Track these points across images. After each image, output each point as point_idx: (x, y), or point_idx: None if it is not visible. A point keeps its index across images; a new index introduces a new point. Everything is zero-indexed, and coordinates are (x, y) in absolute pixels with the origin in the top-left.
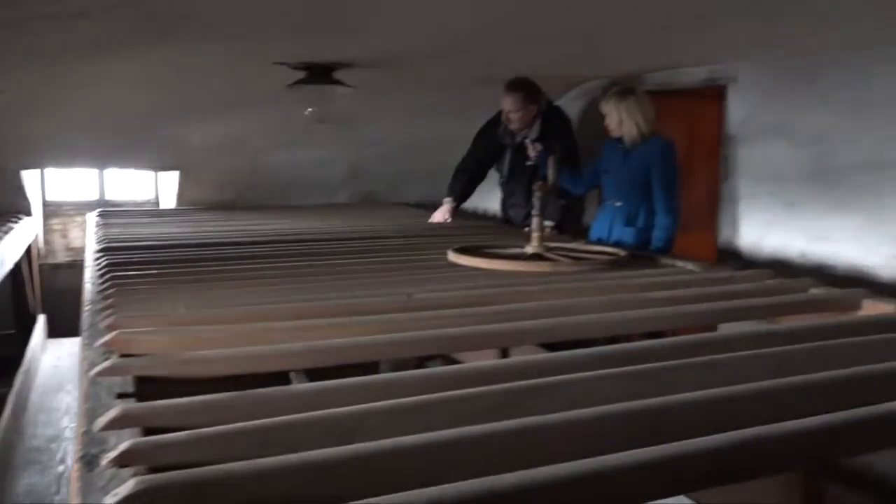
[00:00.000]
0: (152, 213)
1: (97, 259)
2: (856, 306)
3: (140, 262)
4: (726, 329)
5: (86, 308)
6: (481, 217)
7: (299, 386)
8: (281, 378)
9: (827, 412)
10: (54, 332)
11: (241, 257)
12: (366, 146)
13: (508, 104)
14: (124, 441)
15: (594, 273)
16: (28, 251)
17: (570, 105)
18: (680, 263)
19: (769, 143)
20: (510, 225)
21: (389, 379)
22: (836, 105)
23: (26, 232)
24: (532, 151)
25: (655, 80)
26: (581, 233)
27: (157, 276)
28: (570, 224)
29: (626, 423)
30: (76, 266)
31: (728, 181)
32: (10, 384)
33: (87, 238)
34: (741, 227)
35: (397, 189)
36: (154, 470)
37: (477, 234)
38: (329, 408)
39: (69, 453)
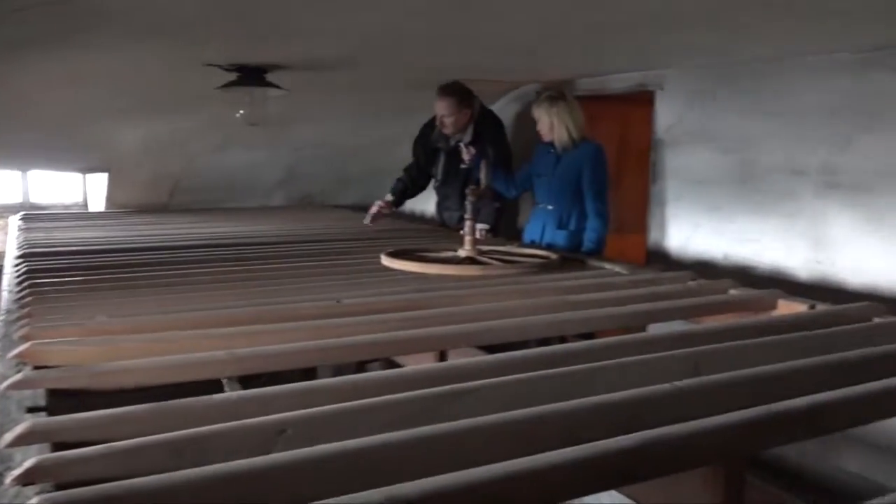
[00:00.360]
0: (79, 216)
1: (16, 265)
2: (772, 306)
3: (63, 268)
4: (653, 329)
5: (0, 317)
6: (418, 219)
7: (219, 396)
8: (215, 387)
9: (739, 409)
10: None
11: (169, 262)
12: (301, 148)
13: (442, 108)
14: (30, 458)
15: (526, 276)
16: None
17: (505, 109)
18: (609, 266)
19: (695, 148)
20: (445, 228)
21: (314, 386)
22: (757, 112)
23: None
24: (466, 155)
25: (587, 85)
26: (516, 235)
27: (79, 283)
28: (504, 227)
29: (560, 422)
30: None
31: (656, 185)
32: None
33: (7, 243)
34: (669, 230)
35: (334, 192)
36: (64, 486)
37: (412, 237)
38: (250, 417)
39: None
